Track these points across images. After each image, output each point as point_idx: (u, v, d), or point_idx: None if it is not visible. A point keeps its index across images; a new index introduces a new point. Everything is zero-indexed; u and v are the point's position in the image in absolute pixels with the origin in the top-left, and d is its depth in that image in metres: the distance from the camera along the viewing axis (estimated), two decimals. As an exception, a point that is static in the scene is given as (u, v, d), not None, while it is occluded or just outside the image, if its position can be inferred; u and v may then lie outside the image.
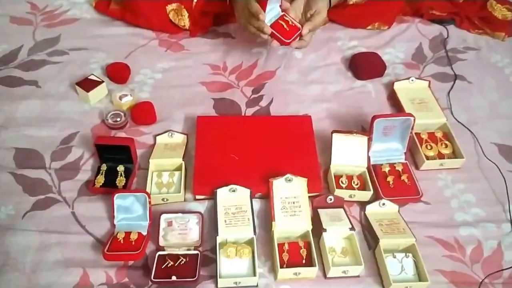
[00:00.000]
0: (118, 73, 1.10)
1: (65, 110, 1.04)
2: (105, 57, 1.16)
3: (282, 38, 0.99)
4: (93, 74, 1.07)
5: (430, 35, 1.26)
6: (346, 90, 1.11)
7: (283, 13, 1.01)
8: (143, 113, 1.01)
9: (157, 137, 0.98)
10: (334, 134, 0.92)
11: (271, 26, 0.99)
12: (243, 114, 1.04)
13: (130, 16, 1.22)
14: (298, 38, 1.01)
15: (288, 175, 0.85)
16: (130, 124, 1.02)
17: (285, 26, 1.00)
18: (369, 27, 1.25)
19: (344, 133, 0.92)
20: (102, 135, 0.97)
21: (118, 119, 1.00)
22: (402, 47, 1.22)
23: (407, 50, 1.22)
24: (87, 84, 1.04)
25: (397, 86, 1.08)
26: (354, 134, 0.92)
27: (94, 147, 0.90)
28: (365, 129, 1.02)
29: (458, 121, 1.05)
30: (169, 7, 1.17)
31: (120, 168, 0.90)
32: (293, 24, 1.01)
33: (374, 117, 0.91)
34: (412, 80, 1.08)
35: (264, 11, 0.97)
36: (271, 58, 1.17)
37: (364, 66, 1.13)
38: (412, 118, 0.91)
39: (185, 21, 1.18)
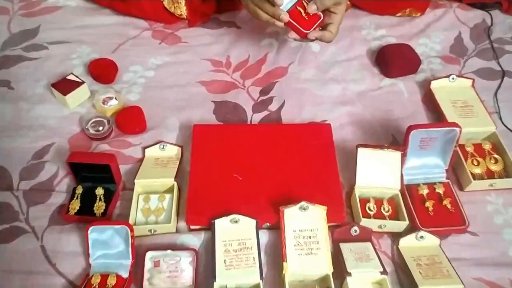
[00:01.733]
0: (103, 71, 0.93)
1: (41, 115, 0.88)
2: (89, 52, 1.00)
3: (300, 28, 0.82)
4: (72, 74, 0.91)
5: (471, 22, 1.06)
6: (372, 90, 0.93)
7: None
8: (130, 120, 0.86)
9: (147, 150, 0.82)
10: (359, 149, 0.75)
11: (289, 12, 0.81)
12: (248, 121, 0.88)
13: (119, 3, 1.05)
14: (318, 28, 0.84)
15: (303, 203, 0.68)
16: (116, 132, 0.86)
17: (303, 14, 0.82)
18: (398, 14, 1.06)
19: (372, 147, 0.75)
20: (78, 150, 0.81)
21: (101, 128, 0.84)
22: (439, 37, 1.03)
23: (445, 41, 1.03)
24: (64, 86, 0.88)
25: (434, 85, 0.90)
26: (385, 149, 0.75)
27: (67, 166, 0.74)
28: (396, 138, 0.85)
29: (509, 129, 0.86)
30: (163, -7, 1.00)
31: (99, 191, 0.75)
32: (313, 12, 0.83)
33: (410, 128, 0.74)
34: (453, 79, 0.90)
35: None
36: (282, 51, 1.00)
37: (394, 60, 0.95)
38: (457, 130, 0.74)
39: (182, 9, 1.01)
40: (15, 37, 1.03)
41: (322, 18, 0.83)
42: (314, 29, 0.82)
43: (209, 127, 0.83)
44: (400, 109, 0.90)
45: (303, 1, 0.82)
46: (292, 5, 0.82)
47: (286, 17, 0.80)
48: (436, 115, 0.88)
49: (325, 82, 0.94)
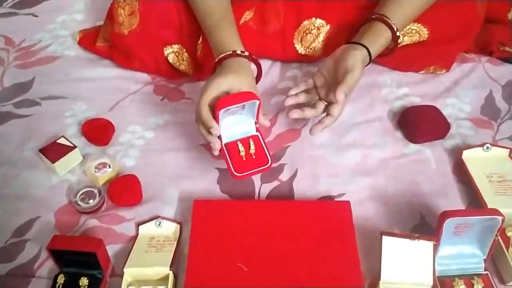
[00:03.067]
0: (98, 133, 0.85)
1: (27, 183, 0.80)
2: (84, 109, 0.92)
3: (230, 168, 0.70)
4: (63, 137, 0.82)
5: (503, 79, 0.97)
6: (395, 158, 0.83)
7: (257, 133, 0.74)
8: (124, 191, 0.77)
9: (141, 227, 0.73)
10: (384, 238, 0.64)
11: (227, 145, 0.72)
12: (256, 193, 0.78)
13: (120, 56, 0.98)
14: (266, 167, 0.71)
15: (319, 308, 0.58)
16: (108, 204, 0.77)
17: (242, 153, 0.71)
18: (422, 72, 0.97)
19: (399, 236, 0.65)
20: (65, 225, 0.73)
21: (91, 201, 0.75)
22: (468, 96, 0.94)
23: (474, 101, 0.93)
24: (54, 151, 0.80)
25: (466, 155, 0.80)
26: (415, 240, 0.64)
27: (48, 252, 0.65)
28: (424, 217, 0.74)
29: (554, 209, 0.75)
30: (168, 49, 0.92)
31: (83, 282, 0.65)
32: (259, 153, 0.72)
33: (444, 216, 0.63)
34: (488, 148, 0.80)
35: (217, 120, 0.68)
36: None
37: (420, 124, 0.85)
38: (500, 218, 0.63)
39: (187, 66, 0.93)
40: (7, 92, 0.96)
41: (268, 164, 0.71)
42: (249, 175, 0.70)
43: (211, 203, 0.74)
44: (428, 182, 0.79)
45: (255, 138, 0.73)
46: (241, 138, 0.73)
47: (217, 146, 0.70)
48: (470, 190, 0.77)
49: (342, 147, 0.85)
